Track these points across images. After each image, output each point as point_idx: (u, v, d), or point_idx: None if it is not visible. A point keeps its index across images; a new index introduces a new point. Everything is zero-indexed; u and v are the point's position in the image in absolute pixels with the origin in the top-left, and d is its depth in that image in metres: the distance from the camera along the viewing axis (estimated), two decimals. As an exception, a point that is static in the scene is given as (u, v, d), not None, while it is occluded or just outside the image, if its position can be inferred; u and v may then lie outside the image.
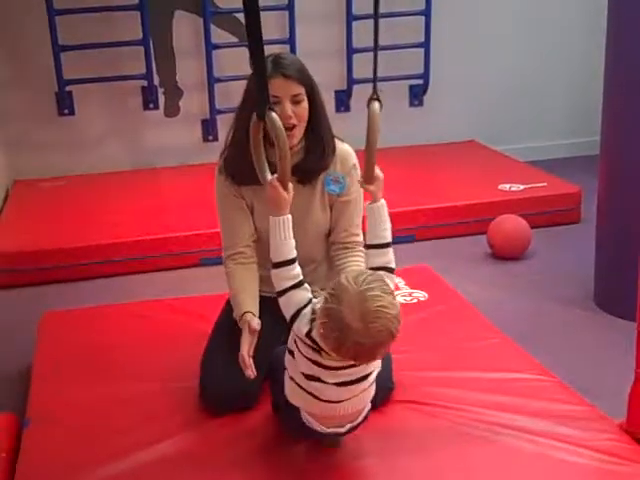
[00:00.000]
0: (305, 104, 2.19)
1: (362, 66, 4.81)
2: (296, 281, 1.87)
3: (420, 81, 5.28)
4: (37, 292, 3.64)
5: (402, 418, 2.22)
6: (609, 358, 2.87)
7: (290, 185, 1.94)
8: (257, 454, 2.08)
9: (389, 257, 1.99)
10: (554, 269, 3.79)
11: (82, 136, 4.97)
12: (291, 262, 1.88)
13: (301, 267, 1.93)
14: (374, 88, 2.07)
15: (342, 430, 1.95)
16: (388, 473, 2.00)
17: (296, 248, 1.93)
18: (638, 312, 2.08)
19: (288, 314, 1.85)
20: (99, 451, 2.12)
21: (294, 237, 1.94)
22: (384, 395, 2.23)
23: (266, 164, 2.01)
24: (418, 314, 2.84)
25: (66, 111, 4.89)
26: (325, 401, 1.86)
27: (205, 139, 5.13)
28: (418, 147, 5.22)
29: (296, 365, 1.87)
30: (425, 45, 5.14)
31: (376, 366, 1.90)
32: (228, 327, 2.29)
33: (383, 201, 2.05)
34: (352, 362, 1.77)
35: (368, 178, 2.06)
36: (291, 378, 1.91)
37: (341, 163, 2.31)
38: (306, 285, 1.89)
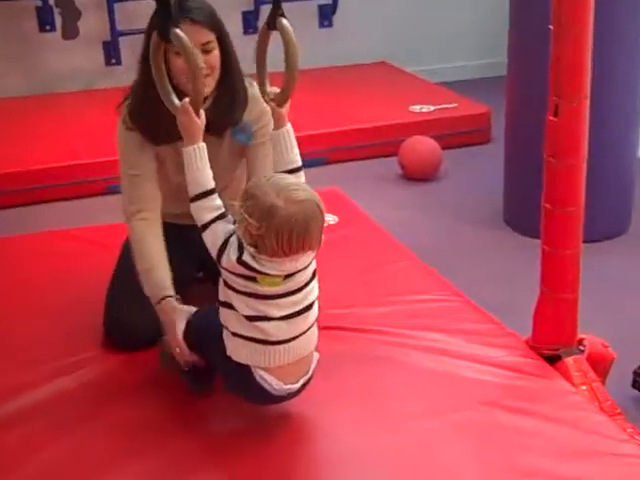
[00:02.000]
0: (216, 52, 2.02)
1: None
2: (219, 212, 1.77)
3: (329, 1, 5.16)
4: None
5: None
6: (518, 276, 2.92)
7: (202, 111, 1.82)
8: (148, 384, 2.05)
9: (300, 180, 1.90)
10: (465, 190, 3.81)
11: (-27, 60, 4.72)
12: (211, 192, 1.78)
13: None
14: (277, 3, 1.96)
15: (297, 386, 1.82)
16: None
17: None
18: (542, 229, 2.09)
19: (215, 247, 1.73)
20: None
21: None
22: None
23: (171, 89, 1.87)
24: (328, 237, 2.77)
25: (-45, 34, 4.62)
26: (274, 343, 1.75)
27: (108, 63, 4.92)
28: (328, 69, 5.11)
29: (236, 314, 1.75)
30: (334, -38, 5.03)
31: (316, 295, 1.82)
32: (131, 266, 2.08)
33: (289, 124, 1.94)
34: (293, 256, 1.67)
35: (283, 101, 1.95)
36: (233, 334, 1.76)
37: (249, 110, 2.15)
38: (229, 216, 1.77)
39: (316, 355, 1.86)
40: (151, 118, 2.04)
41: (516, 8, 3.21)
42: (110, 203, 3.57)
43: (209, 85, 2.02)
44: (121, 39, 4.79)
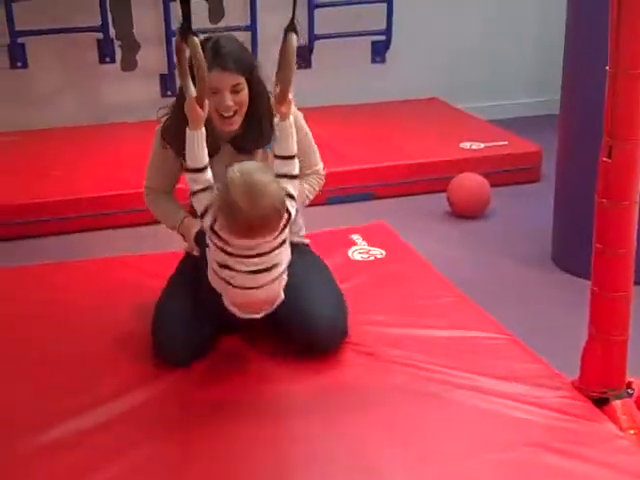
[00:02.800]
0: (245, 91, 2.24)
1: (324, 21, 4.72)
2: (207, 185, 2.07)
3: (382, 37, 5.21)
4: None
5: (355, 374, 2.22)
6: (564, 316, 2.89)
7: (206, 102, 2.04)
8: (214, 407, 2.08)
9: (292, 167, 2.12)
10: (513, 227, 3.79)
11: (35, 90, 4.84)
12: (204, 169, 2.06)
13: None
14: (292, 17, 2.13)
15: (258, 316, 2.15)
16: (337, 430, 1.99)
17: None
18: (593, 270, 2.08)
19: (199, 211, 2.07)
20: (50, 410, 2.08)
21: None
22: (338, 339, 2.30)
23: (190, 81, 2.04)
24: (375, 271, 2.82)
25: (19, 64, 4.73)
26: (235, 287, 2.07)
27: (163, 94, 5.01)
28: (379, 104, 5.15)
29: (211, 254, 2.10)
30: (388, 0, 5.07)
31: (283, 259, 2.10)
32: (182, 280, 2.37)
33: (291, 119, 2.12)
34: (248, 239, 1.98)
35: (282, 99, 2.10)
36: (211, 267, 2.12)
37: None
38: (215, 189, 2.05)
39: (281, 297, 2.15)
40: (179, 134, 2.15)
41: (571, 46, 3.20)
42: (160, 232, 3.63)
43: (236, 122, 2.27)
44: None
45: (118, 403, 2.10)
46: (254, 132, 2.31)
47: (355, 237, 3.09)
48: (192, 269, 2.32)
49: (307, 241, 2.53)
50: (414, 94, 5.25)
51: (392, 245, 3.06)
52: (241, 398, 2.13)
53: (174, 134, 2.26)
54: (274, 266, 2.08)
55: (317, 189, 2.47)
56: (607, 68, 1.95)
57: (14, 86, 4.79)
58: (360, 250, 3.00)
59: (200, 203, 2.07)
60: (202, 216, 2.08)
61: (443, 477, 1.84)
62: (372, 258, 2.96)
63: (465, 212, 3.89)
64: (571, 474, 1.84)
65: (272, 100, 2.14)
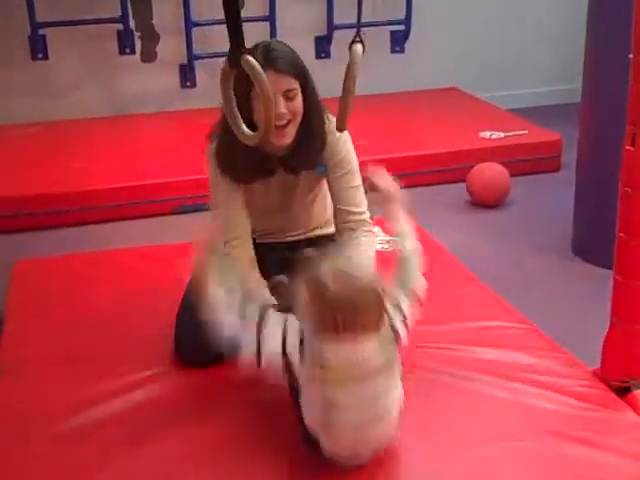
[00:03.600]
0: (299, 99, 2.07)
1: (343, 11, 4.72)
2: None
3: (402, 27, 5.19)
4: (9, 240, 3.59)
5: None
6: (585, 306, 2.88)
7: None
8: (234, 405, 2.07)
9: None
10: (533, 217, 3.78)
11: (56, 81, 4.87)
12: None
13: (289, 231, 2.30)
14: (357, 31, 2.00)
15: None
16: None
17: (281, 221, 2.23)
18: (615, 259, 2.07)
19: (274, 345, 1.78)
20: (71, 401, 2.10)
21: (278, 213, 2.21)
22: None
23: (239, 117, 1.86)
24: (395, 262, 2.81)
25: (40, 55, 4.77)
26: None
27: (183, 85, 5.04)
28: (399, 94, 5.15)
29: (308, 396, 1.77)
30: (407, -10, 5.06)
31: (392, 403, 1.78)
32: None
33: (411, 245, 1.99)
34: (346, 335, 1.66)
35: (342, 127, 2.00)
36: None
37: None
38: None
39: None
40: (232, 160, 2.11)
41: (593, 34, 3.17)
42: (179, 222, 3.66)
43: (290, 133, 2.08)
44: (197, 62, 4.90)
45: (133, 395, 2.11)
46: (305, 148, 2.14)
47: (375, 229, 3.07)
48: None
49: (332, 230, 2.47)
50: (433, 84, 5.24)
51: (412, 235, 3.05)
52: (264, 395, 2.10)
53: (226, 157, 2.13)
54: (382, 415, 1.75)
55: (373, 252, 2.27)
56: (630, 56, 1.93)
57: (35, 78, 4.82)
58: (379, 240, 3.00)
59: (273, 334, 1.76)
60: (283, 350, 1.75)
61: (463, 464, 1.84)
62: (391, 248, 2.95)
63: (485, 202, 3.88)
64: (592, 463, 1.84)
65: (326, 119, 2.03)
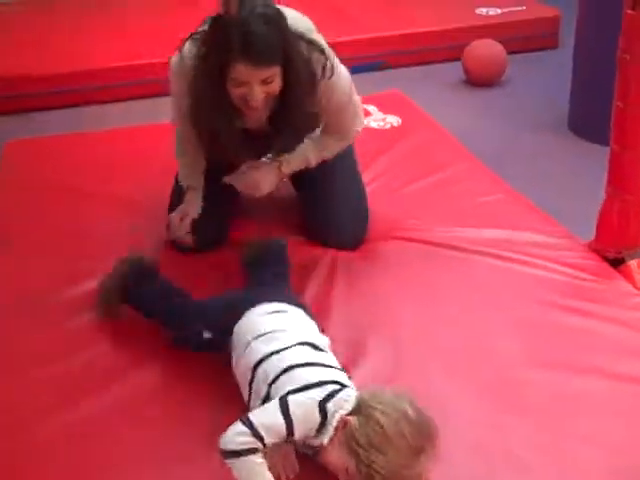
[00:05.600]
0: (278, 80, 1.83)
1: None
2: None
3: None
4: (1, 121, 3.52)
5: (377, 244, 2.21)
6: (582, 182, 2.87)
7: None
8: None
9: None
10: (529, 95, 3.73)
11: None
12: None
13: None
14: None
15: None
16: (359, 293, 2.01)
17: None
18: (612, 128, 2.04)
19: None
20: (60, 277, 2.09)
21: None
22: (355, 245, 2.19)
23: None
24: (392, 140, 2.80)
25: None
26: None
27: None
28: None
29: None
30: None
31: None
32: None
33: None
34: None
35: None
36: None
37: None
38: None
39: None
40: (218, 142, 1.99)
41: None
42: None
43: (263, 107, 1.87)
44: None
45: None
46: (286, 133, 1.99)
47: (370, 108, 3.04)
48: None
49: None
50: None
51: (408, 113, 3.02)
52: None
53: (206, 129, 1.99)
54: None
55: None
56: None
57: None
58: (375, 118, 2.97)
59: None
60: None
61: (453, 329, 1.86)
62: (388, 126, 2.92)
63: (481, 80, 3.82)
64: (584, 330, 1.86)
65: None
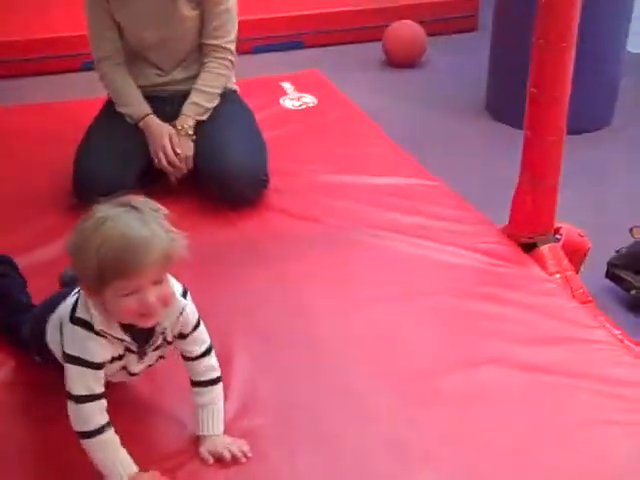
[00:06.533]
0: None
1: None
2: None
3: None
4: None
5: (276, 223, 2.18)
6: (497, 165, 2.88)
7: None
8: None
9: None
10: (448, 77, 3.74)
11: None
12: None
13: (173, 69, 2.25)
14: None
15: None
16: (265, 277, 1.96)
17: (164, 50, 2.19)
18: (526, 114, 2.04)
19: None
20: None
21: (161, 40, 2.18)
22: (255, 186, 2.23)
23: None
24: (306, 120, 2.75)
25: None
26: None
27: None
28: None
29: None
30: None
31: None
32: (106, 119, 2.31)
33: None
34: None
35: None
36: None
37: None
38: None
39: None
40: None
41: None
42: (86, 79, 3.47)
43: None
44: None
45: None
46: None
47: (286, 86, 2.99)
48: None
49: (235, 88, 2.42)
50: None
51: (324, 93, 2.97)
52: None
53: None
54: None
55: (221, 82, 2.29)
56: None
57: None
58: (291, 97, 2.91)
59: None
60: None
61: (365, 320, 1.82)
62: (304, 107, 2.87)
63: (400, 61, 3.81)
64: (496, 316, 1.84)
65: None
